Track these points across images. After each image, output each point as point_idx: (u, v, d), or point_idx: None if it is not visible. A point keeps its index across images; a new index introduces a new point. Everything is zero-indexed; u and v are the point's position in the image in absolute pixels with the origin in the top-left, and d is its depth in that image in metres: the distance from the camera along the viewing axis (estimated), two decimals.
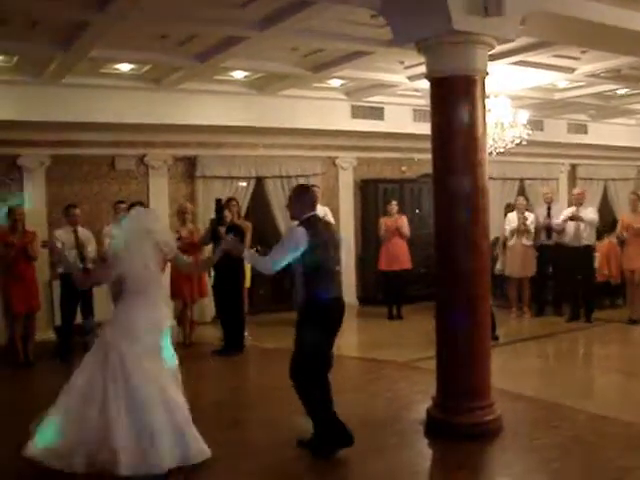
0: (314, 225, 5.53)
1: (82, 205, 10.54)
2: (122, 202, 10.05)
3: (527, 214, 11.78)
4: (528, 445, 5.79)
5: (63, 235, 9.35)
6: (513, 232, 11.65)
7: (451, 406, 5.99)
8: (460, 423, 5.87)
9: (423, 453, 5.92)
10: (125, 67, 9.60)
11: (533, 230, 11.66)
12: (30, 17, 7.14)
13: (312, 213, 5.63)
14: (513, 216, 11.80)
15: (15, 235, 9.03)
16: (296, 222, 5.60)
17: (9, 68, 9.23)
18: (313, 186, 11.38)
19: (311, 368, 5.56)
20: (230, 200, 10.21)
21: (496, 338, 9.10)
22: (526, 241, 11.67)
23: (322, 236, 5.53)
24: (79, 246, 9.34)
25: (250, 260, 6.02)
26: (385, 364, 8.73)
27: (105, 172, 11.35)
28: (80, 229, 9.52)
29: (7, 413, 7.13)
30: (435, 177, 6.16)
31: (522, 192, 14.82)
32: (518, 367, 8.55)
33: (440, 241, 6.14)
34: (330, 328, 5.67)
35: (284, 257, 5.43)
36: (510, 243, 11.69)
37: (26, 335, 9.18)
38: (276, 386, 6.91)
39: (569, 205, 12.13)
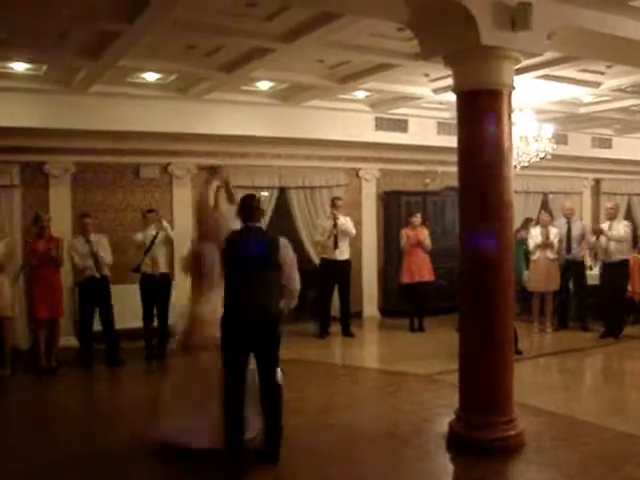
0: (237, 236, 5.65)
1: (107, 213, 10.73)
2: (152, 211, 10.21)
3: (550, 228, 11.76)
4: (550, 461, 5.76)
5: (78, 245, 9.54)
6: (537, 247, 11.62)
7: (473, 420, 5.98)
8: (482, 438, 5.87)
9: (445, 467, 5.90)
10: (152, 76, 9.71)
11: (557, 244, 11.62)
12: (60, 28, 7.24)
13: (247, 224, 5.68)
14: (537, 231, 11.77)
15: (42, 241, 9.15)
16: None
17: (38, 77, 9.37)
18: (336, 198, 11.62)
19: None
20: None
21: (519, 352, 9.08)
22: (550, 255, 11.64)
23: (237, 248, 5.58)
24: (94, 254, 9.47)
25: None
26: (407, 377, 8.72)
27: (129, 180, 11.42)
28: (93, 236, 9.63)
29: (28, 419, 7.25)
30: (460, 190, 6.18)
31: (545, 206, 14.79)
32: (541, 382, 8.51)
33: (464, 254, 6.15)
34: (231, 341, 5.51)
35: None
36: (534, 257, 11.66)
37: (49, 341, 9.25)
38: (293, 397, 6.91)
39: (597, 220, 12.06)
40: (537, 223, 12.13)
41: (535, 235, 11.70)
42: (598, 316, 11.47)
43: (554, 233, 11.66)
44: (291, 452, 5.85)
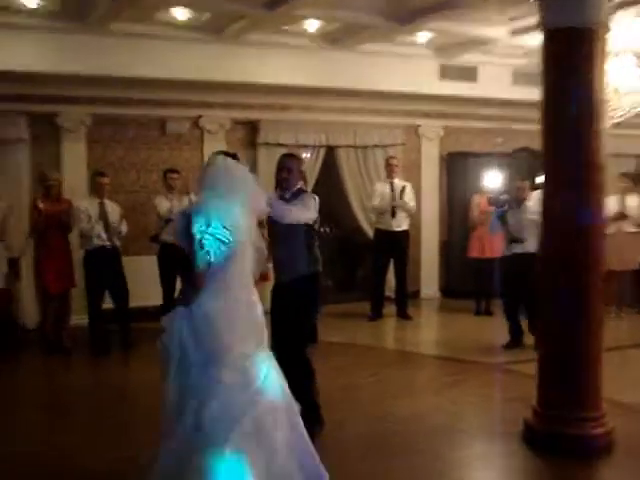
0: None
1: (128, 172, 10.74)
2: (174, 171, 10.10)
3: (629, 197, 11.63)
4: None
5: (87, 205, 9.32)
6: (612, 218, 11.40)
7: (554, 416, 5.93)
8: (564, 436, 5.83)
9: (518, 468, 5.86)
10: (182, 14, 9.66)
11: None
12: None
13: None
14: (613, 200, 11.55)
15: (47, 202, 9.18)
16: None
17: (50, 13, 9.35)
18: (391, 158, 11.59)
19: None
20: None
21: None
22: (628, 228, 11.50)
23: None
24: (105, 218, 9.30)
25: None
26: (472, 365, 8.70)
27: (155, 136, 11.47)
28: (107, 201, 9.45)
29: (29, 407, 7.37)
30: (544, 150, 6.09)
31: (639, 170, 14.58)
32: (631, 376, 8.43)
33: (547, 224, 6.09)
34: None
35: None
36: (609, 231, 11.43)
37: (59, 318, 9.31)
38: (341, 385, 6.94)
39: None
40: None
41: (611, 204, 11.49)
42: None
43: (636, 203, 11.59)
44: (341, 444, 5.89)
